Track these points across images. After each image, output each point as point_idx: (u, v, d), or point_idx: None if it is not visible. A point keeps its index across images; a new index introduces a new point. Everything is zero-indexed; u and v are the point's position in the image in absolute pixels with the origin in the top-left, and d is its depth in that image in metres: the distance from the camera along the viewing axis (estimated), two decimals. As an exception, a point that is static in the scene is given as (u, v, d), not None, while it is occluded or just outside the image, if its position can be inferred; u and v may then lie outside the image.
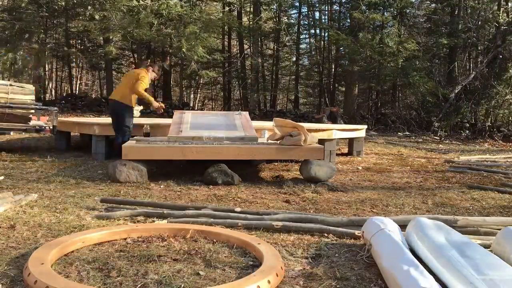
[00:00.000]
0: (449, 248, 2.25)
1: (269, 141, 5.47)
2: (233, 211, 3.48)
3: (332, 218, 3.09)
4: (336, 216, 3.31)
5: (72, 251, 2.56)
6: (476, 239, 2.81)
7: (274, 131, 5.32)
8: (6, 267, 2.29)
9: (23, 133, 9.45)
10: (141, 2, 14.31)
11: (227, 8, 19.19)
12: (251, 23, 19.36)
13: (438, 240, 2.39)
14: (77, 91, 24.54)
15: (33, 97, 7.03)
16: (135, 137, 5.84)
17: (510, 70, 13.79)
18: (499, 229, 2.78)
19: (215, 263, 2.43)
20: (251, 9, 20.99)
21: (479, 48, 15.73)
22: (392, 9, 17.33)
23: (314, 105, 23.16)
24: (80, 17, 17.00)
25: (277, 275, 2.19)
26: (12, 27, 16.44)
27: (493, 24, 14.86)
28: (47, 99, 20.18)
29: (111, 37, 15.95)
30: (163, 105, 6.75)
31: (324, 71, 21.08)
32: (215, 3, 20.09)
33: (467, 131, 14.03)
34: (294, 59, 23.42)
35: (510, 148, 11.04)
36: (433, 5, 16.94)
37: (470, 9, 15.36)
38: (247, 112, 6.84)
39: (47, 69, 21.55)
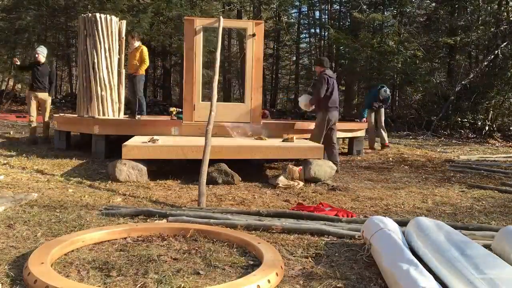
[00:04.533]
0: (449, 248, 2.25)
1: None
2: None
3: (332, 228, 3.07)
4: (335, 224, 3.31)
5: (72, 251, 2.56)
6: (476, 239, 2.81)
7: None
8: (6, 267, 2.29)
9: (23, 132, 9.47)
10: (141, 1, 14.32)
11: (227, 8, 19.18)
12: (251, 22, 19.30)
13: (438, 239, 2.39)
14: (76, 91, 24.51)
15: None
16: (134, 137, 5.83)
17: (511, 70, 13.75)
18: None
19: (215, 263, 2.43)
20: (251, 8, 20.98)
21: (479, 47, 15.71)
22: (392, 8, 17.32)
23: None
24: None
25: (277, 275, 2.19)
26: (12, 27, 16.43)
27: (493, 23, 14.85)
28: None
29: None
30: None
31: (324, 71, 21.02)
32: (215, 2, 20.08)
33: (467, 131, 14.02)
34: (294, 58, 23.42)
35: (510, 148, 11.04)
36: (433, 4, 16.91)
37: (470, 8, 15.34)
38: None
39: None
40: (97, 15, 7.33)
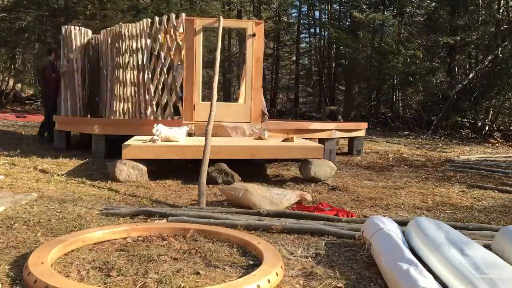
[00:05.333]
0: (449, 247, 2.25)
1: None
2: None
3: (332, 228, 3.08)
4: (335, 224, 3.32)
5: (72, 250, 2.56)
6: (476, 239, 2.80)
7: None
8: (6, 267, 2.29)
9: (23, 132, 9.47)
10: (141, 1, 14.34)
11: (227, 7, 19.19)
12: (251, 22, 19.33)
13: (438, 239, 2.39)
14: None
15: None
16: (134, 136, 5.83)
17: (511, 70, 13.75)
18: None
19: (215, 262, 2.43)
20: (251, 8, 20.98)
21: (479, 47, 15.70)
22: (392, 8, 17.32)
23: (314, 104, 23.16)
24: (80, 16, 16.99)
25: (277, 274, 2.19)
26: (12, 27, 16.43)
27: (493, 23, 14.85)
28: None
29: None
30: None
31: (324, 70, 21.07)
32: (214, 2, 20.09)
33: (467, 131, 14.02)
34: (294, 58, 23.45)
35: (510, 148, 11.04)
36: (433, 4, 16.92)
37: (470, 8, 15.33)
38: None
39: (47, 68, 21.51)
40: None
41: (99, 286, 2.10)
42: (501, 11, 14.79)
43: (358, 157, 7.78)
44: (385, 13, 16.95)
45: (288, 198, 3.96)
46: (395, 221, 2.86)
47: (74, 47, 8.32)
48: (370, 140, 10.81)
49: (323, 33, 21.56)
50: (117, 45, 7.79)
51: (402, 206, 4.09)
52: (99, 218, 3.31)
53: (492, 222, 3.60)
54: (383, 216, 2.99)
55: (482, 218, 3.72)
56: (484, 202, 4.40)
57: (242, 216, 3.35)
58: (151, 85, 7.25)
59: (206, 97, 8.18)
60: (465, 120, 14.29)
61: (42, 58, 17.88)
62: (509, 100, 14.41)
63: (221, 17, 6.39)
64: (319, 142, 6.58)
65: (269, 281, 2.10)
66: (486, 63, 14.41)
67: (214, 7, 20.07)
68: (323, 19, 21.76)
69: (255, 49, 6.45)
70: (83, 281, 2.15)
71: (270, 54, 22.91)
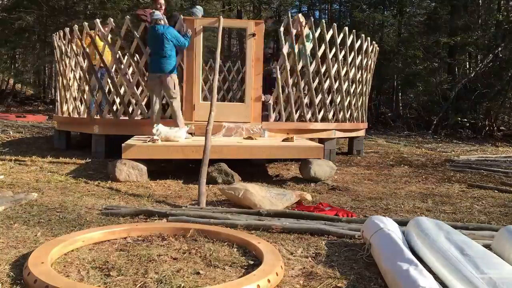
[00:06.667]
0: (449, 247, 2.26)
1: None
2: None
3: (332, 227, 3.07)
4: (335, 224, 3.32)
5: (72, 250, 2.56)
6: (476, 238, 2.80)
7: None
8: (6, 267, 2.29)
9: (23, 132, 9.47)
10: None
11: (227, 7, 19.19)
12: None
13: (438, 239, 2.39)
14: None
15: None
16: (134, 136, 5.83)
17: (511, 69, 13.75)
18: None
19: (215, 262, 2.43)
20: (251, 8, 20.98)
21: (479, 47, 15.71)
22: (392, 8, 17.33)
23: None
24: (81, 16, 17.00)
25: (277, 274, 2.19)
26: (12, 27, 16.43)
27: (493, 23, 14.85)
28: (47, 98, 20.19)
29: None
30: None
31: (324, 70, 21.06)
32: (215, 2, 20.10)
33: (468, 130, 14.02)
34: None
35: (510, 147, 11.03)
36: (433, 4, 16.92)
37: (470, 7, 15.33)
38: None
39: (47, 68, 21.55)
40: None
41: (99, 286, 2.10)
42: (501, 11, 14.80)
43: (358, 157, 7.78)
44: (385, 13, 16.95)
45: (288, 198, 3.96)
46: (395, 221, 2.86)
47: None
48: (370, 140, 10.81)
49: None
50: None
51: (402, 206, 4.09)
52: (99, 218, 3.31)
53: (492, 222, 3.60)
54: (383, 216, 2.99)
55: (482, 218, 3.72)
56: (484, 202, 4.39)
57: (242, 216, 3.35)
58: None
59: (206, 97, 8.16)
60: (465, 120, 14.29)
61: (42, 58, 17.92)
62: (509, 100, 14.41)
63: (221, 17, 6.39)
64: (319, 142, 6.57)
65: (269, 281, 2.10)
66: (486, 63, 14.40)
67: (214, 7, 20.08)
68: (323, 19, 21.77)
69: (255, 49, 6.45)
70: (83, 281, 2.15)
71: (270, 54, 22.84)
